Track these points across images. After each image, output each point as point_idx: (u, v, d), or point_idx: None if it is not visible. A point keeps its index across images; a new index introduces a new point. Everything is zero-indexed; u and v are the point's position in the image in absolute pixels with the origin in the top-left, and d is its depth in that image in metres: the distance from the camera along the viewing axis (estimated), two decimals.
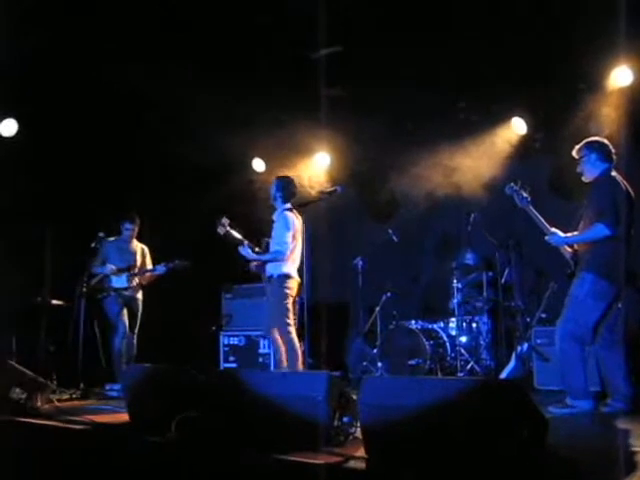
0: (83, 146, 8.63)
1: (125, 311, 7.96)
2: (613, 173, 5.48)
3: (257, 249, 6.87)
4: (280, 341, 6.70)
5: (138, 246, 8.30)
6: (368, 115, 8.29)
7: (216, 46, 7.54)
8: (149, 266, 8.24)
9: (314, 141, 9.25)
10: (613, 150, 5.55)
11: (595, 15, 6.34)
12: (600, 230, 5.24)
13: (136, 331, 8.06)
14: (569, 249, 5.63)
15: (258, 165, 9.94)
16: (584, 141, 5.65)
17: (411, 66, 7.50)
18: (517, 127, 8.27)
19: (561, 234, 5.60)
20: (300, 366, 6.68)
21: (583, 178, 5.64)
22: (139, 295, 8.16)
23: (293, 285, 6.78)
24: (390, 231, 8.57)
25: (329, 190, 6.81)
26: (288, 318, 6.71)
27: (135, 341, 8.02)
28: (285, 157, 9.47)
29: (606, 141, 5.61)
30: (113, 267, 7.96)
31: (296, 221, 6.86)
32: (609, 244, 5.26)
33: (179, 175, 9.14)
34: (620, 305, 5.46)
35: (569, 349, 5.32)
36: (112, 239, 8.11)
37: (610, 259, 5.29)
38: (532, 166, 8.12)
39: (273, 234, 6.84)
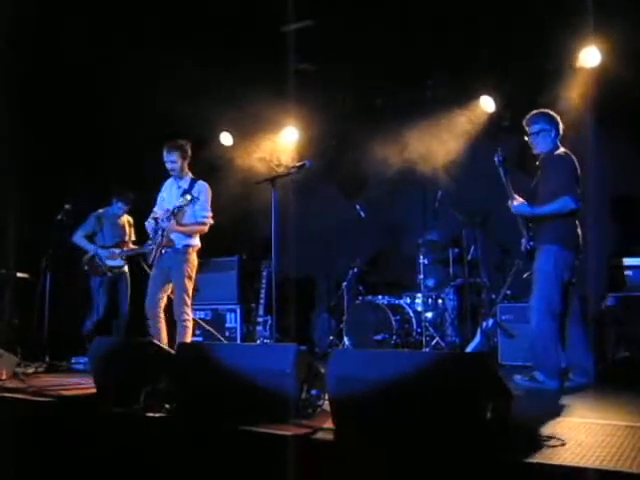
0: (46, 119, 8.54)
1: (110, 296, 7.95)
2: (563, 148, 5.52)
3: None
4: (189, 321, 6.52)
5: (125, 218, 8.27)
6: (337, 90, 8.30)
7: (185, 19, 7.48)
8: (133, 236, 8.24)
9: (283, 116, 9.22)
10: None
11: None
12: (567, 203, 5.26)
13: (127, 307, 8.05)
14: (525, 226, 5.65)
15: (226, 139, 9.88)
16: (539, 112, 5.62)
17: (381, 43, 7.50)
18: (485, 105, 8.30)
19: (525, 203, 5.56)
20: None
21: (535, 151, 5.65)
22: (126, 268, 8.13)
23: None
24: (357, 207, 8.59)
25: (298, 165, 6.80)
26: (190, 296, 6.56)
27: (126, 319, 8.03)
28: (253, 131, 9.44)
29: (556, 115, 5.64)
30: (108, 253, 7.94)
31: None
32: (570, 217, 5.35)
33: (147, 150, 9.06)
34: (574, 280, 5.52)
35: (547, 327, 5.29)
36: (101, 211, 8.06)
37: (572, 230, 5.38)
38: (500, 144, 8.14)
39: (198, 205, 6.54)
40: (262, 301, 8.81)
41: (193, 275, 6.58)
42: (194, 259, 6.61)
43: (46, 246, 7.59)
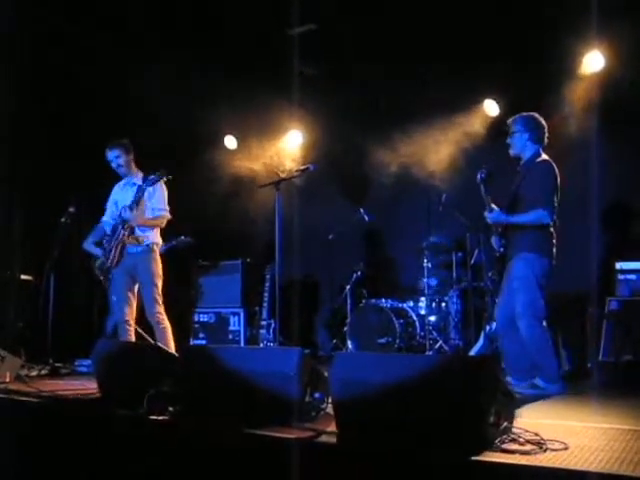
0: (50, 122, 8.56)
1: None
2: (545, 156, 5.52)
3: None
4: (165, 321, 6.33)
5: None
6: (341, 94, 8.30)
7: (189, 21, 7.49)
8: None
9: (287, 119, 9.22)
10: (547, 133, 5.59)
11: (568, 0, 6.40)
12: (542, 216, 5.30)
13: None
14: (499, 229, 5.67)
15: (230, 142, 9.88)
16: (522, 115, 5.63)
17: (385, 46, 7.51)
18: (489, 109, 8.29)
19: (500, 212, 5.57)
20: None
21: (510, 151, 5.68)
22: None
23: None
24: (361, 210, 8.59)
25: (302, 168, 6.81)
26: (160, 295, 6.37)
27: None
28: (257, 135, 9.44)
29: (543, 121, 5.60)
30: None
31: None
32: (547, 228, 5.38)
33: (150, 153, 9.08)
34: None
35: (539, 333, 5.30)
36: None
37: (548, 239, 5.40)
38: (503, 148, 8.16)
39: (154, 199, 6.37)
40: (266, 304, 8.81)
41: (161, 273, 6.43)
42: (157, 257, 6.46)
43: (50, 248, 7.58)
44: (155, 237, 6.48)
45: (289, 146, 9.62)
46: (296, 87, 8.02)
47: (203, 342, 9.12)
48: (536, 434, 3.28)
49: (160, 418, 4.05)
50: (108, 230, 6.51)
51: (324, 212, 9.27)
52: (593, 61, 7.42)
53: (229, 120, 9.13)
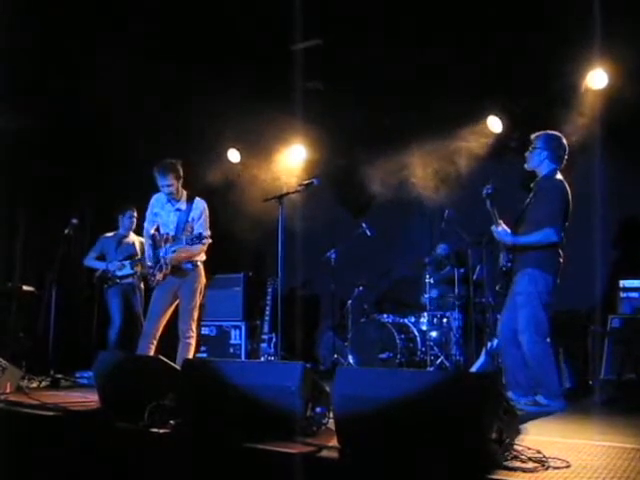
0: (57, 135, 8.57)
1: (125, 304, 8.01)
2: (560, 176, 5.51)
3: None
4: (193, 339, 6.37)
5: (137, 239, 8.21)
6: (345, 109, 8.31)
7: (193, 36, 7.51)
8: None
9: (290, 133, 9.23)
10: (566, 155, 5.57)
11: (571, 18, 6.42)
12: (549, 235, 5.28)
13: (141, 319, 7.93)
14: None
15: (233, 156, 9.89)
16: (547, 132, 5.61)
17: (388, 62, 7.53)
18: (493, 126, 8.30)
19: (509, 232, 5.56)
20: None
21: (525, 165, 5.68)
22: (142, 285, 8.11)
23: None
24: (363, 225, 8.60)
25: (305, 182, 6.80)
26: (197, 312, 6.46)
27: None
28: (261, 148, 9.46)
29: (565, 142, 5.57)
30: (118, 264, 8.03)
31: None
32: (554, 246, 5.37)
33: (153, 165, 9.11)
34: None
35: (540, 349, 5.28)
36: (110, 235, 8.14)
37: (554, 256, 5.38)
38: (506, 164, 8.17)
39: (199, 220, 6.35)
40: (267, 318, 8.81)
41: (203, 290, 6.54)
42: (202, 274, 6.53)
43: (52, 260, 7.59)
44: (200, 255, 6.49)
45: (293, 160, 9.62)
46: (300, 102, 8.03)
47: (204, 355, 9.10)
48: (538, 451, 3.27)
49: (161, 431, 4.04)
50: (149, 260, 6.53)
51: (327, 226, 9.28)
52: (597, 78, 7.43)
53: (233, 133, 9.15)
